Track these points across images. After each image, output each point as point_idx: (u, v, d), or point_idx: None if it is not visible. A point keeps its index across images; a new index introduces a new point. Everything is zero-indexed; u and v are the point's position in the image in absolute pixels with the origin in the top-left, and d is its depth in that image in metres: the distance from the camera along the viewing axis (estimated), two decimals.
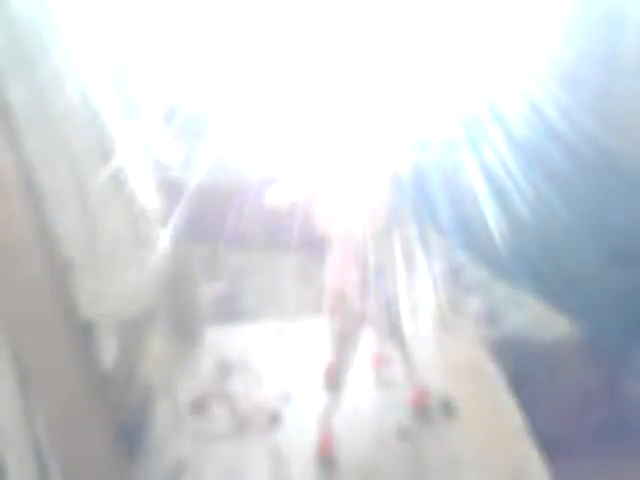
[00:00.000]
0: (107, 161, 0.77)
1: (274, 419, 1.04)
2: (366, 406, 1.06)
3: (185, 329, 1.20)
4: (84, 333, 0.80)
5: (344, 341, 0.96)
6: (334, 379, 1.00)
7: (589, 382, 1.34)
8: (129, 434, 0.98)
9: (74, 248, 0.76)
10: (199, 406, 1.06)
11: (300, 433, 1.01)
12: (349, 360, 0.96)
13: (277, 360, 1.17)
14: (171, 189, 1.00)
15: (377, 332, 1.07)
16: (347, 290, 0.94)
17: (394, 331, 1.01)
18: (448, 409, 1.04)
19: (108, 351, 0.86)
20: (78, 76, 0.74)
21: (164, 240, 0.88)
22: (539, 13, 1.33)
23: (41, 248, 0.71)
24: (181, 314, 1.17)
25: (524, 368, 1.23)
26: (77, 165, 0.74)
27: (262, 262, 1.64)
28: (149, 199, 0.85)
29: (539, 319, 1.47)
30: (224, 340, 1.24)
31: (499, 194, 1.24)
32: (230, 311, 1.48)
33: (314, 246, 0.96)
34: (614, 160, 1.43)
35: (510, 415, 1.03)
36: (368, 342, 1.10)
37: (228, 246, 1.63)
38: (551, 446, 0.96)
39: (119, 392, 0.91)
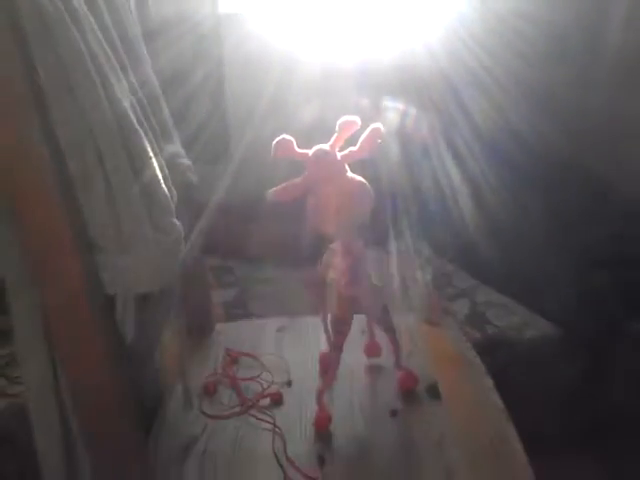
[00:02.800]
0: (132, 158, 0.86)
1: (276, 401, 1.13)
2: (360, 389, 1.16)
3: (198, 323, 1.32)
4: (107, 308, 0.87)
5: (337, 327, 1.05)
6: (328, 363, 1.11)
7: (568, 379, 1.40)
8: (146, 414, 1.08)
9: (99, 230, 0.83)
10: (209, 389, 1.17)
11: (299, 413, 1.10)
12: (341, 344, 1.05)
13: (279, 350, 1.28)
14: (189, 204, 1.13)
15: (368, 318, 1.18)
16: (340, 280, 1.02)
17: (384, 319, 1.11)
18: (433, 392, 1.13)
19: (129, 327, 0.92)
20: (112, 97, 0.83)
21: (180, 230, 0.98)
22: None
23: (70, 229, 0.78)
24: (195, 311, 1.29)
25: (506, 365, 1.30)
26: (104, 159, 0.82)
27: (267, 272, 1.76)
28: (168, 194, 0.96)
29: (521, 320, 1.54)
30: (232, 333, 1.36)
31: (480, 205, 1.35)
32: (238, 314, 1.59)
33: (314, 255, 1.09)
34: (592, 172, 1.53)
35: (490, 399, 1.12)
36: (361, 332, 1.22)
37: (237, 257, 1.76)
38: (530, 441, 1.02)
39: (138, 367, 1.01)
